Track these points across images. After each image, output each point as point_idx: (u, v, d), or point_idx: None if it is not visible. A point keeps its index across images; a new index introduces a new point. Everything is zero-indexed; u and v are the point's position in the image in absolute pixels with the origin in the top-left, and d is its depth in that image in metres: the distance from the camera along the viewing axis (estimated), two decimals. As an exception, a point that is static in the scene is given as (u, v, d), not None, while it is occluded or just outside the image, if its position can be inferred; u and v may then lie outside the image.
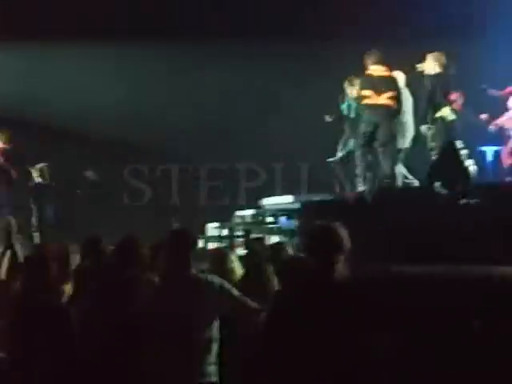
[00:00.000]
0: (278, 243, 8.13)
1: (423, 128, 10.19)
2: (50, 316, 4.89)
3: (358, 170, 10.29)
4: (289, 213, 10.74)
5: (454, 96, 10.67)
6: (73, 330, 4.91)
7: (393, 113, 10.32)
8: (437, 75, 10.05)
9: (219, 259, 5.83)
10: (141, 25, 14.50)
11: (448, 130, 10.03)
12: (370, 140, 10.24)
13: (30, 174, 13.18)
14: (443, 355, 4.78)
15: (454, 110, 10.34)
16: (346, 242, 4.33)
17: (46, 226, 12.82)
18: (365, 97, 10.27)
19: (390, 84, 10.32)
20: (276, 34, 14.00)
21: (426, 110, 10.13)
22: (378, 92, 10.19)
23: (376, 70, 10.31)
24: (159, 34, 14.29)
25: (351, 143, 10.93)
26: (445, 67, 10.11)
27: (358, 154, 10.40)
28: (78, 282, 5.79)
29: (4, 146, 12.73)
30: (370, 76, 10.32)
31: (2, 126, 13.05)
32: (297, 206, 10.65)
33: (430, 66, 10.12)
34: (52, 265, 5.12)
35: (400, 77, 10.66)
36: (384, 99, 10.20)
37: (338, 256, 4.27)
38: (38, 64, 15.43)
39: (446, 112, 10.13)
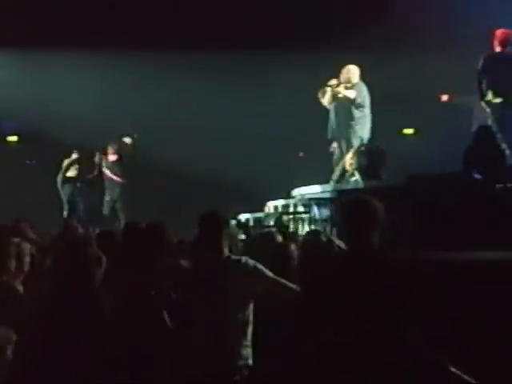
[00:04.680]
0: (313, 230, 8.02)
1: None
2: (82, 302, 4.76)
3: None
4: (321, 202, 10.62)
5: None
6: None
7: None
8: None
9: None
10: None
11: None
12: None
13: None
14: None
15: None
16: (381, 213, 4.14)
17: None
18: None
19: None
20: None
21: None
22: None
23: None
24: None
25: None
26: None
27: None
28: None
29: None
30: None
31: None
32: (327, 195, 10.56)
33: None
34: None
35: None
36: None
37: (372, 227, 4.10)
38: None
39: None
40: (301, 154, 15.09)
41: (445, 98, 10.59)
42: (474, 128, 9.88)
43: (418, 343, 4.06)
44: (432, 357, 4.51)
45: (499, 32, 10.25)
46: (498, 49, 10.22)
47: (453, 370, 4.47)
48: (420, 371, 4.09)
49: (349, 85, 11.42)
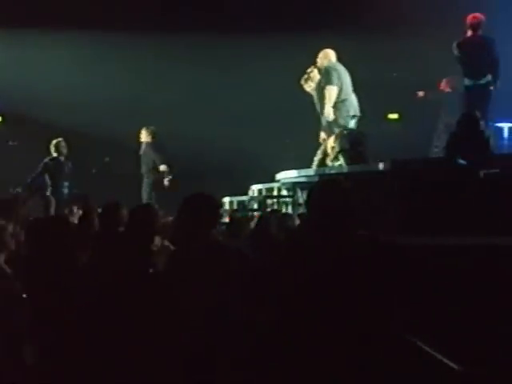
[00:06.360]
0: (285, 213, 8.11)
1: None
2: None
3: None
4: (305, 186, 10.66)
5: None
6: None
7: None
8: None
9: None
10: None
11: None
12: None
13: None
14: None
15: None
16: (349, 194, 4.14)
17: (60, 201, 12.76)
18: None
19: None
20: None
21: None
22: None
23: None
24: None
25: None
26: None
27: None
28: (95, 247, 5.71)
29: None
30: None
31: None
32: (311, 179, 10.59)
33: None
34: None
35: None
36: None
37: (341, 208, 4.07)
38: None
39: None
40: (287, 141, 15.19)
41: (421, 93, 11.03)
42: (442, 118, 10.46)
43: (398, 327, 4.09)
44: (412, 341, 4.56)
45: (469, 17, 10.42)
46: (468, 33, 10.40)
47: (431, 352, 4.52)
48: (400, 353, 4.13)
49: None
